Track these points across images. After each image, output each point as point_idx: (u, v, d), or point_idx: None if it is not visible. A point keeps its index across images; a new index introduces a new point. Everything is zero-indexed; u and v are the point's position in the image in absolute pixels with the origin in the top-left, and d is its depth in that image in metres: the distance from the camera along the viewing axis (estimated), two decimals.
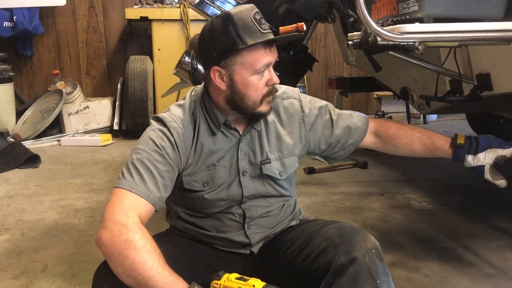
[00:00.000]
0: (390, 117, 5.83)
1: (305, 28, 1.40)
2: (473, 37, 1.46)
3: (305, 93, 5.46)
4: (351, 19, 2.32)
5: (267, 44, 1.30)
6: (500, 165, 1.50)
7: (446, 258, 2.06)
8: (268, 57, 1.31)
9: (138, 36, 5.45)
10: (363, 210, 2.69)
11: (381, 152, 1.69)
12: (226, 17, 1.28)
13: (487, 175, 1.50)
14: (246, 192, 1.44)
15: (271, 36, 1.30)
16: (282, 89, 1.56)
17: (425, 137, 1.60)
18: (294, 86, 2.91)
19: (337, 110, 1.62)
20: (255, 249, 1.48)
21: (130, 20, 5.10)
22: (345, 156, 1.66)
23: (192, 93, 1.47)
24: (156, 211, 1.31)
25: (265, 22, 1.31)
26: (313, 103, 1.58)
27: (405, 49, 1.88)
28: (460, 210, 2.66)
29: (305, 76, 5.41)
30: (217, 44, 1.29)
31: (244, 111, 1.37)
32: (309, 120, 1.54)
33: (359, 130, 1.60)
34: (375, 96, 5.94)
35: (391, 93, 3.20)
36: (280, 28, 1.48)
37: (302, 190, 3.06)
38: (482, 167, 1.50)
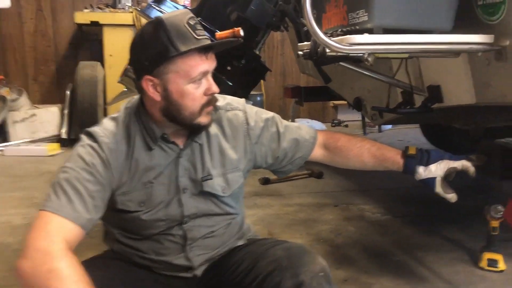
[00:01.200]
0: (346, 126, 5.86)
1: (242, 33, 1.32)
2: (422, 49, 1.43)
3: (262, 101, 5.45)
4: (305, 28, 2.27)
5: (203, 50, 1.21)
6: (450, 180, 1.46)
7: (399, 273, 2.02)
8: (205, 64, 1.23)
9: (89, 41, 5.25)
10: (317, 222, 2.63)
11: (332, 165, 1.63)
12: (157, 22, 1.19)
13: (438, 189, 1.46)
14: (187, 211, 1.35)
15: (207, 42, 1.22)
16: (227, 100, 1.46)
17: (375, 148, 1.54)
18: (247, 95, 2.85)
19: (285, 122, 1.55)
20: (199, 272, 1.38)
21: (80, 25, 4.91)
22: (294, 169, 1.59)
23: (128, 105, 1.36)
24: (87, 234, 1.20)
25: (200, 28, 1.22)
26: (259, 115, 1.49)
27: (356, 60, 1.85)
28: (414, 221, 2.65)
29: (262, 84, 5.38)
30: (148, 51, 1.20)
31: (182, 123, 1.27)
32: (254, 132, 1.45)
33: (307, 143, 1.53)
34: (331, 105, 5.96)
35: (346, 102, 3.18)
36: (216, 34, 1.39)
37: (256, 202, 2.98)
38: (433, 180, 1.46)
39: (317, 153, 1.57)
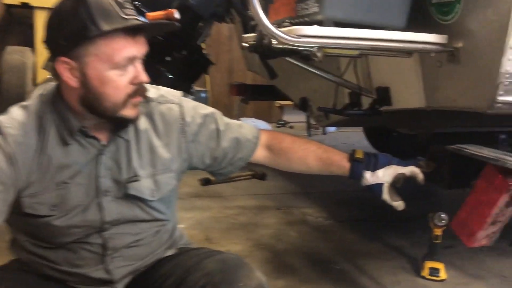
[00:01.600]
0: (291, 127, 5.81)
1: (177, 16, 1.17)
2: (374, 46, 1.34)
3: (207, 98, 5.27)
4: (253, 22, 2.14)
5: (130, 32, 1.05)
6: (398, 186, 1.37)
7: (340, 282, 1.94)
8: (132, 48, 1.06)
9: (21, 25, 4.85)
10: (258, 226, 2.51)
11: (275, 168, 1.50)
12: None
13: (385, 195, 1.37)
14: (108, 217, 1.17)
15: (136, 23, 1.05)
16: (161, 91, 1.29)
17: (321, 151, 1.43)
18: (188, 89, 2.68)
19: (226, 119, 1.39)
20: (120, 286, 1.22)
21: (9, 6, 4.51)
22: (235, 172, 1.44)
23: (42, 92, 1.17)
24: None
25: (130, 7, 1.05)
26: (197, 110, 1.33)
27: (304, 56, 1.73)
28: (357, 226, 2.59)
29: (208, 80, 5.21)
30: (65, 29, 1.02)
31: (103, 114, 1.10)
32: (191, 129, 1.29)
33: (249, 143, 1.39)
34: (277, 105, 5.89)
35: (292, 102, 3.09)
36: (147, 14, 1.23)
37: (195, 204, 2.82)
38: (380, 186, 1.36)
39: (260, 155, 1.43)
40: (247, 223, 2.55)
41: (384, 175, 1.37)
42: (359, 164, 1.38)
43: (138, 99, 1.14)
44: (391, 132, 3.45)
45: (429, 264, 2.01)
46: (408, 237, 2.42)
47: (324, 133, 5.50)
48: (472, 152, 1.31)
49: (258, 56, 1.53)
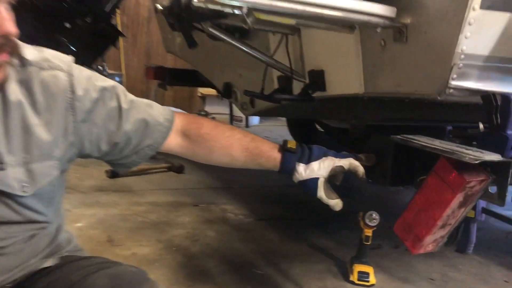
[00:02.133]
0: (213, 118, 5.55)
1: None
2: (312, 12, 1.11)
3: (122, 83, 4.84)
4: None
5: None
6: (338, 183, 1.17)
7: None
8: None
9: None
10: (171, 225, 2.22)
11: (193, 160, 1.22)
12: None
13: (321, 192, 1.15)
14: None
15: None
16: (44, 54, 0.96)
17: (247, 139, 1.17)
18: (91, 62, 2.31)
19: (131, 96, 1.09)
20: None
21: None
22: (140, 163, 1.15)
23: None
24: None
25: None
26: (93, 82, 1.01)
27: (231, 27, 1.48)
28: (280, 224, 2.38)
29: (123, 64, 4.79)
30: None
31: None
32: (83, 106, 0.97)
33: (161, 127, 1.10)
34: (199, 94, 5.59)
35: (215, 92, 2.83)
36: None
37: (98, 199, 2.47)
38: (314, 182, 1.14)
39: (174, 142, 1.14)
40: (158, 222, 2.25)
41: (319, 168, 1.15)
42: (291, 155, 1.15)
43: (3, 57, 0.82)
44: (317, 125, 3.29)
45: (358, 267, 1.84)
46: (334, 238, 2.26)
47: (247, 126, 5.32)
48: (423, 143, 1.13)
49: (176, 22, 1.26)
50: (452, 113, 1.76)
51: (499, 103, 1.15)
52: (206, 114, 5.48)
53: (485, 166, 1.06)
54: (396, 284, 1.90)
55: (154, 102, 1.16)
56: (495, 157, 1.02)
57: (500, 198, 1.05)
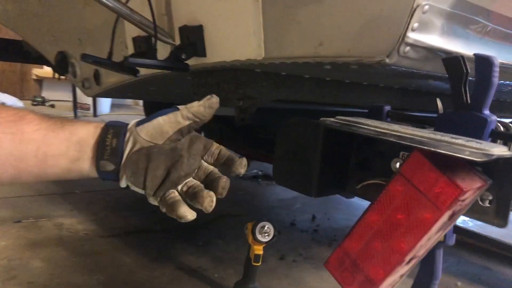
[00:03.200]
0: (53, 106, 4.66)
1: None
2: None
3: None
4: None
5: None
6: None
7: None
8: None
9: None
10: None
11: None
12: None
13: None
14: None
15: None
16: None
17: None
18: None
19: None
20: None
21: None
22: None
23: None
24: None
25: None
26: None
27: None
28: (138, 241, 1.83)
29: None
30: None
31: None
32: None
33: None
34: (34, 77, 4.65)
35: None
36: None
37: None
38: None
39: None
40: None
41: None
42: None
43: None
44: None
45: None
46: (208, 252, 1.78)
47: (95, 115, 4.59)
48: (378, 129, 0.70)
49: None
50: (373, 95, 1.36)
51: (469, 70, 0.78)
52: (44, 101, 4.60)
53: (470, 164, 0.68)
54: None
55: None
56: (503, 150, 0.63)
57: (500, 215, 0.67)
